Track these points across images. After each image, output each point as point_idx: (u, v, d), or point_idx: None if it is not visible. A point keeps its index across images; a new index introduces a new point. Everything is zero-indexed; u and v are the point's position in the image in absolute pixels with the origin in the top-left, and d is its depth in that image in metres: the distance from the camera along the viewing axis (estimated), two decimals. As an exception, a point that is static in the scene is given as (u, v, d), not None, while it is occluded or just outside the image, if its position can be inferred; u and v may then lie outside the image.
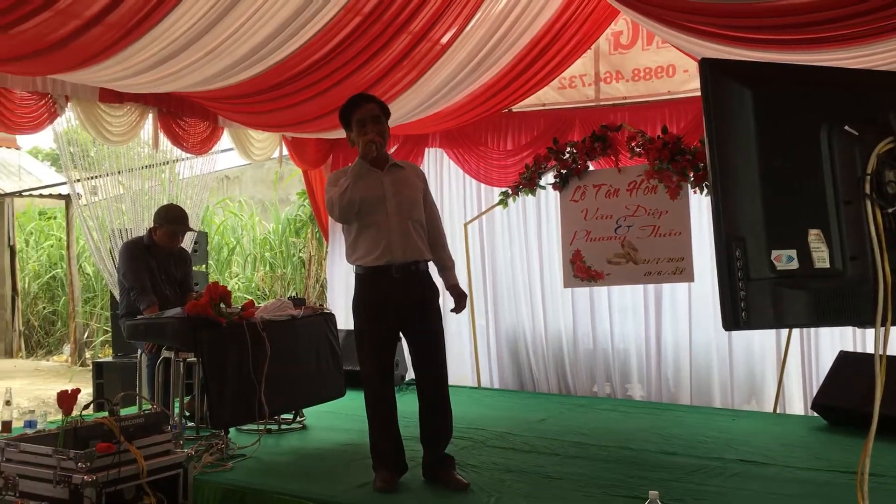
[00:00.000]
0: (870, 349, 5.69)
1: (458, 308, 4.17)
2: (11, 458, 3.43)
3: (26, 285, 13.17)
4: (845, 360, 5.37)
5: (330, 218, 7.89)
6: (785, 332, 5.97)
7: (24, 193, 12.23)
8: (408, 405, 4.18)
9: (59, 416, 3.61)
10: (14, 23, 4.06)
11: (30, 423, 4.58)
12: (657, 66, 6.63)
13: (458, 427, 4.43)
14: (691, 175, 5.77)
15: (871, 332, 1.65)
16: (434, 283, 4.05)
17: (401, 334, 4.09)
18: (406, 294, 3.88)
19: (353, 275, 4.03)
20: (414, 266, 3.90)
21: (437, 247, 4.09)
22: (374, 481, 3.88)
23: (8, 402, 4.79)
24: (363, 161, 3.84)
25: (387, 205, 3.87)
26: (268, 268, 12.11)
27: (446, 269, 4.15)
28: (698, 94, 1.67)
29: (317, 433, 5.17)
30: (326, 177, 7.91)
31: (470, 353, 7.13)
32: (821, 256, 1.61)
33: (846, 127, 1.65)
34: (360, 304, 3.96)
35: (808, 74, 1.79)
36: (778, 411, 5.97)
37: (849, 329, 5.75)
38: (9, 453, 3.44)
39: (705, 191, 5.74)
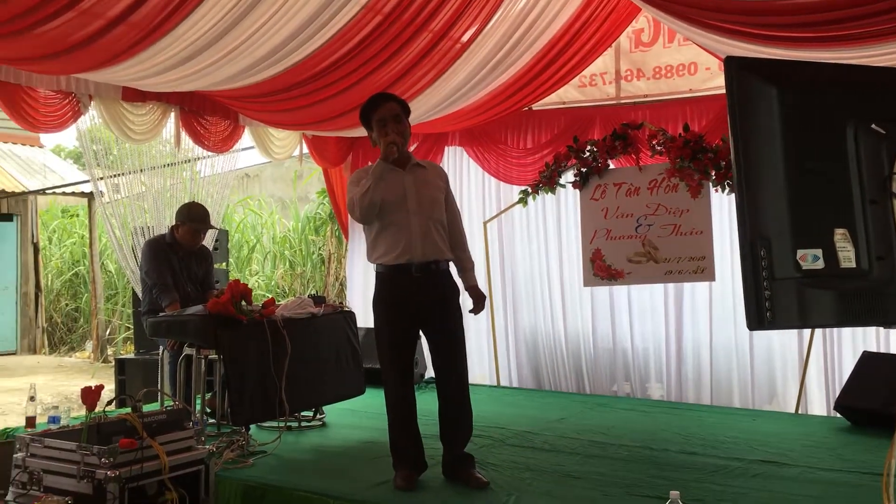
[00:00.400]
0: (894, 349, 5.63)
1: (477, 309, 4.17)
2: (36, 454, 3.47)
3: (49, 282, 13.33)
4: (868, 361, 5.32)
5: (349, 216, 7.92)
6: (806, 331, 5.93)
7: (47, 191, 12.36)
8: (427, 403, 4.18)
9: (83, 412, 3.65)
10: (39, 23, 4.10)
11: (53, 419, 4.63)
12: (678, 64, 6.60)
13: (478, 426, 4.42)
14: (713, 173, 5.73)
15: (894, 332, 1.63)
16: (454, 282, 4.05)
17: (421, 333, 4.10)
18: (426, 293, 3.89)
19: (374, 273, 4.04)
20: (434, 265, 3.90)
21: (458, 247, 4.09)
22: (394, 479, 3.89)
23: (32, 398, 4.84)
24: (385, 162, 3.85)
25: (408, 204, 3.87)
26: (287, 266, 12.17)
27: (465, 270, 4.16)
28: (720, 91, 1.67)
29: (337, 430, 5.19)
30: (346, 175, 7.96)
31: (489, 351, 7.13)
32: (847, 256, 1.60)
33: (873, 125, 1.64)
34: (380, 303, 3.97)
35: (835, 72, 1.77)
36: (800, 412, 5.92)
37: (871, 329, 5.69)
38: (33, 448, 3.48)
39: (727, 189, 5.70)
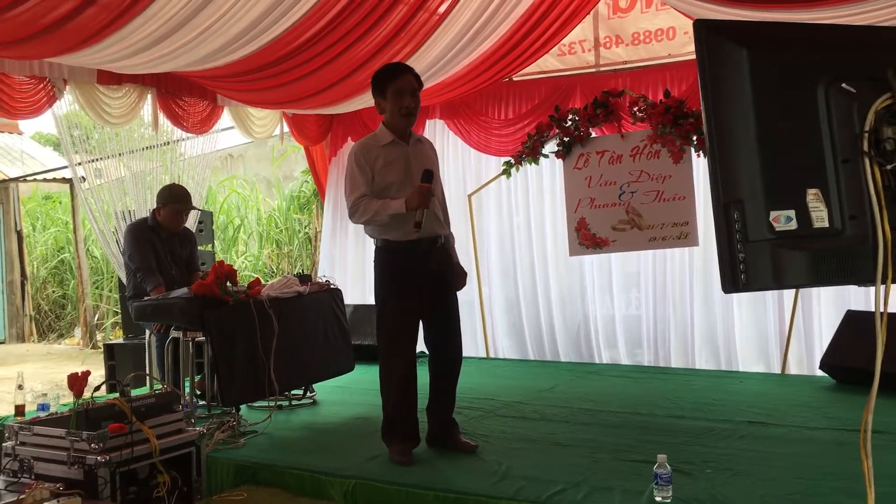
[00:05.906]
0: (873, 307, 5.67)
1: (459, 285, 4.16)
2: (26, 442, 3.47)
3: (35, 270, 13.23)
4: (852, 319, 5.38)
5: (329, 192, 7.87)
6: (789, 293, 5.96)
7: (28, 178, 12.25)
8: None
9: (72, 399, 3.64)
10: (8, 6, 4.04)
11: (43, 407, 4.62)
12: (657, 29, 6.57)
13: (468, 398, 4.44)
14: (695, 138, 5.73)
15: (873, 290, 1.64)
16: (452, 258, 4.09)
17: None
18: (430, 269, 3.91)
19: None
20: (438, 240, 3.94)
21: (446, 224, 4.11)
22: (390, 454, 3.91)
23: (20, 387, 4.83)
24: (410, 209, 3.75)
25: (413, 182, 3.85)
26: (274, 245, 12.12)
27: (452, 247, 4.16)
28: (697, 56, 1.65)
29: (327, 408, 5.21)
30: (327, 152, 7.90)
31: (478, 323, 7.14)
32: (820, 216, 1.60)
33: (843, 84, 1.64)
34: (387, 277, 3.94)
35: (805, 32, 1.76)
36: (785, 372, 5.98)
37: (849, 288, 5.73)
38: (23, 436, 3.49)
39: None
